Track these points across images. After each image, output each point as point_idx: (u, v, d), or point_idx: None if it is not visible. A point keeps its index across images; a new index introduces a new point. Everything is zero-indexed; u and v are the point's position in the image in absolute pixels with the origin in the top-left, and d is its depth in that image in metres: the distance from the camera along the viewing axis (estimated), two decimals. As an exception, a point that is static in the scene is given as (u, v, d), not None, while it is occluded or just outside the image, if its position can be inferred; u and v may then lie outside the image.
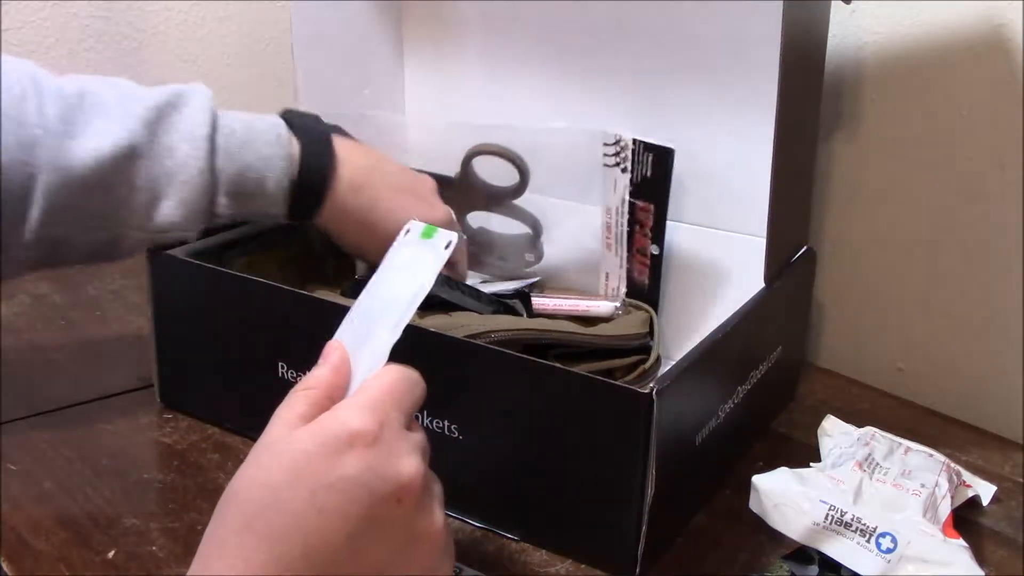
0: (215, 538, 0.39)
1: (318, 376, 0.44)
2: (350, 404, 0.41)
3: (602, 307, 0.69)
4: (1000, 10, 0.70)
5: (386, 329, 0.46)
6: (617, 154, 0.70)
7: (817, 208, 0.82)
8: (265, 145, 0.63)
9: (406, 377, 0.43)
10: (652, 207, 0.70)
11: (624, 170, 0.70)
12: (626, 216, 0.72)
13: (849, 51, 0.79)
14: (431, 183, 0.72)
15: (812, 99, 0.71)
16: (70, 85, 0.59)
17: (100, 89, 0.60)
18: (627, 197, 0.71)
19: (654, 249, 0.71)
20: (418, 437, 0.43)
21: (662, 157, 0.68)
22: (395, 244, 0.51)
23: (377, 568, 0.39)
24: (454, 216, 0.74)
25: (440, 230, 0.50)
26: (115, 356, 0.78)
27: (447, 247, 0.49)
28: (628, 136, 0.69)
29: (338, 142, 0.66)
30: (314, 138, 0.65)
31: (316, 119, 0.67)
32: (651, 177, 0.69)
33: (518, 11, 0.83)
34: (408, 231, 0.51)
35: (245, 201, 0.63)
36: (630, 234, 0.73)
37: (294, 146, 0.64)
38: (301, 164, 0.64)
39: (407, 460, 0.40)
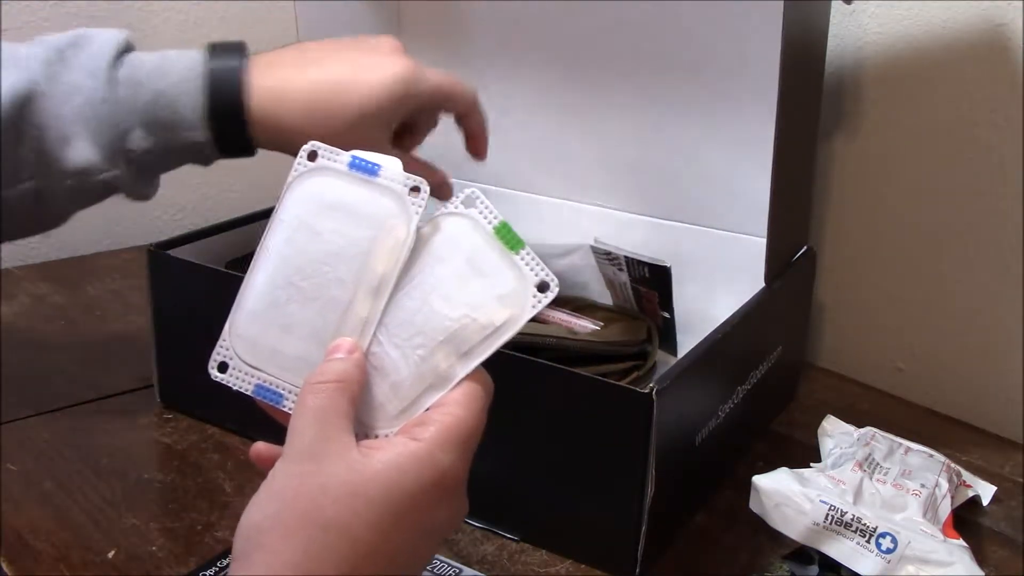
0: (286, 532, 0.37)
1: (347, 371, 0.41)
2: (449, 445, 0.39)
3: (587, 327, 0.69)
4: (1000, 10, 0.70)
5: (449, 352, 0.40)
6: (612, 261, 0.70)
7: (817, 208, 0.82)
8: (178, 71, 0.58)
9: (484, 407, 0.41)
10: (656, 294, 0.69)
11: (621, 270, 0.70)
12: (631, 298, 0.72)
13: (849, 51, 0.79)
14: (390, 39, 0.61)
15: (812, 99, 0.71)
16: None
17: (12, 45, 0.58)
18: (630, 287, 0.70)
19: (665, 315, 0.70)
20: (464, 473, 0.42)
21: (658, 272, 0.67)
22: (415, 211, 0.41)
23: (408, 551, 0.39)
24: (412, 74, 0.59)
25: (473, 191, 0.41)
26: (115, 356, 0.78)
27: (473, 204, 0.41)
28: (620, 253, 0.68)
29: (256, 55, 0.60)
30: (227, 52, 0.59)
31: (242, 44, 0.61)
32: (650, 278, 0.68)
33: (517, 11, 0.82)
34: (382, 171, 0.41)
35: (162, 131, 0.58)
36: (638, 301, 0.72)
37: (208, 67, 0.59)
38: (210, 78, 0.58)
39: (465, 495, 0.41)
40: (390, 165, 0.43)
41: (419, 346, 0.41)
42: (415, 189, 0.42)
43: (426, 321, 0.41)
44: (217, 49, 0.60)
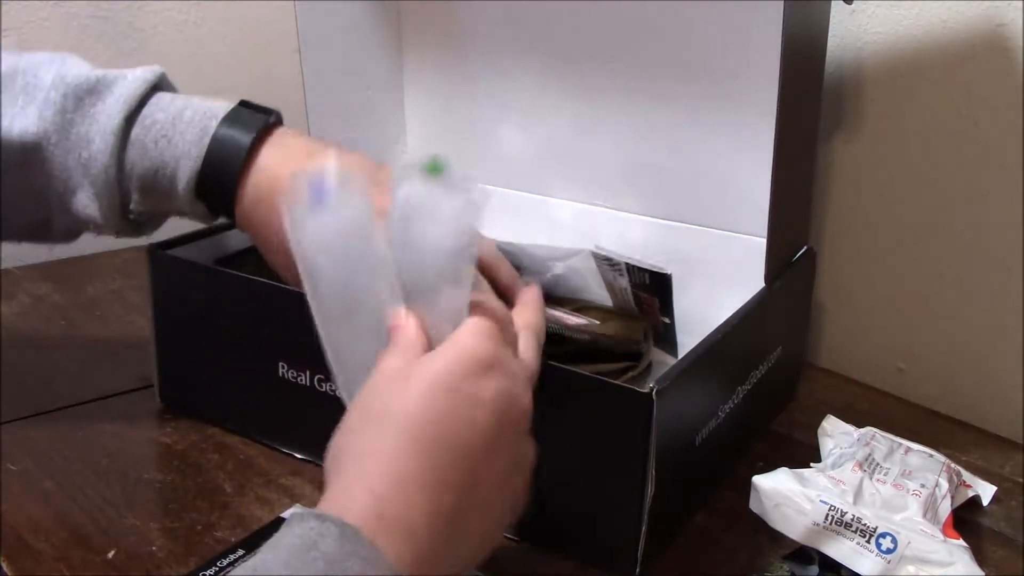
0: (363, 451, 0.40)
1: (405, 335, 0.45)
2: (467, 334, 0.43)
3: (583, 323, 0.69)
4: (1000, 10, 0.70)
5: (447, 283, 0.44)
6: (613, 267, 0.69)
7: (817, 208, 0.82)
8: (185, 140, 0.57)
9: (497, 315, 0.46)
10: (656, 300, 0.69)
11: (622, 275, 0.69)
12: (631, 302, 0.71)
13: (849, 51, 0.79)
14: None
15: (812, 99, 0.71)
16: (4, 64, 0.58)
17: (37, 70, 0.58)
18: (630, 292, 0.70)
19: (665, 320, 0.70)
20: (530, 366, 0.47)
21: (659, 279, 0.67)
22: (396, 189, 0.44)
23: (500, 481, 0.43)
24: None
25: (454, 171, 0.43)
26: (115, 356, 0.78)
27: (472, 194, 0.43)
28: (621, 260, 0.67)
29: (275, 136, 0.58)
30: (244, 123, 0.57)
31: (268, 112, 0.59)
32: (651, 284, 0.68)
33: (517, 12, 0.82)
34: (424, 169, 0.44)
35: (157, 201, 0.59)
36: (639, 305, 0.72)
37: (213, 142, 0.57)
38: (206, 160, 0.57)
39: (526, 389, 0.45)
40: (338, 178, 0.44)
41: (427, 290, 0.45)
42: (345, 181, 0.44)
43: (419, 275, 0.45)
44: (239, 115, 0.58)
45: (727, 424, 0.61)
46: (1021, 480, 0.67)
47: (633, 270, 0.67)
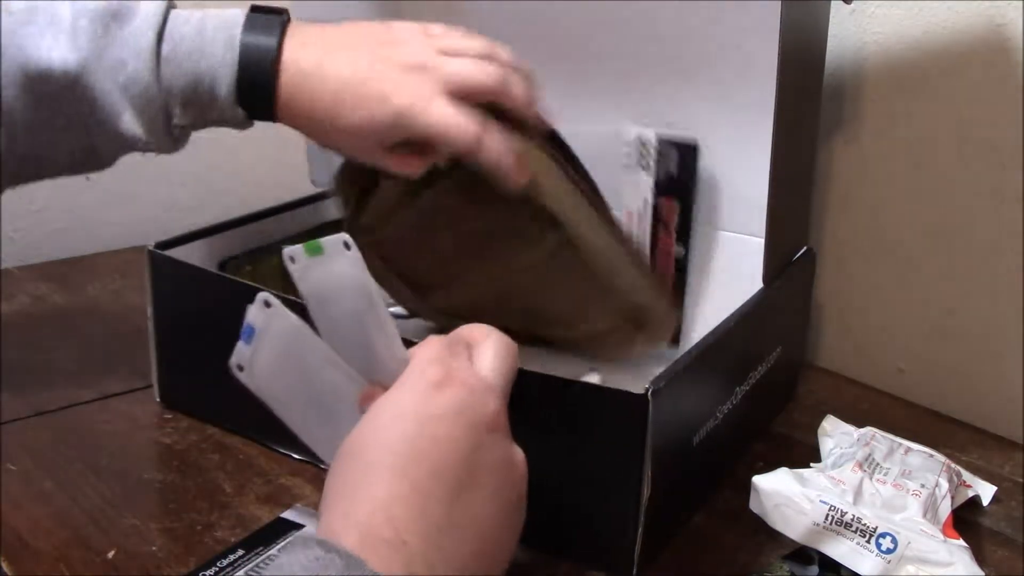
0: (346, 486, 0.42)
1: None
2: (415, 363, 0.46)
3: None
4: (1000, 10, 0.70)
5: (378, 333, 0.48)
6: (637, 154, 0.69)
7: (817, 208, 0.82)
8: (215, 52, 0.59)
9: (441, 341, 0.48)
10: (678, 205, 0.68)
11: (646, 168, 0.68)
12: (649, 219, 0.71)
13: (849, 51, 0.79)
14: (419, 43, 0.61)
15: (811, 99, 0.70)
16: (16, 4, 0.59)
17: (51, 6, 0.59)
18: (650, 198, 0.69)
19: (679, 250, 0.69)
20: (485, 375, 0.47)
21: (686, 153, 0.66)
22: (295, 279, 0.48)
23: (491, 491, 0.44)
24: (435, 55, 0.60)
25: (327, 240, 0.47)
26: (115, 356, 0.78)
27: (348, 247, 0.47)
28: (648, 133, 0.67)
29: (294, 27, 0.61)
30: (264, 27, 0.60)
31: (279, 12, 0.62)
32: (675, 174, 0.67)
33: (518, 11, 0.82)
34: (292, 259, 0.48)
35: (201, 111, 0.61)
36: (654, 235, 0.71)
37: (242, 46, 0.59)
38: (243, 61, 0.59)
39: (486, 394, 0.46)
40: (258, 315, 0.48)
41: (367, 350, 0.49)
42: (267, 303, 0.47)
43: (355, 339, 0.49)
44: (256, 20, 0.60)
45: (726, 425, 0.61)
46: (1021, 480, 0.67)
47: (660, 145, 0.66)
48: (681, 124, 0.76)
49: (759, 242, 0.64)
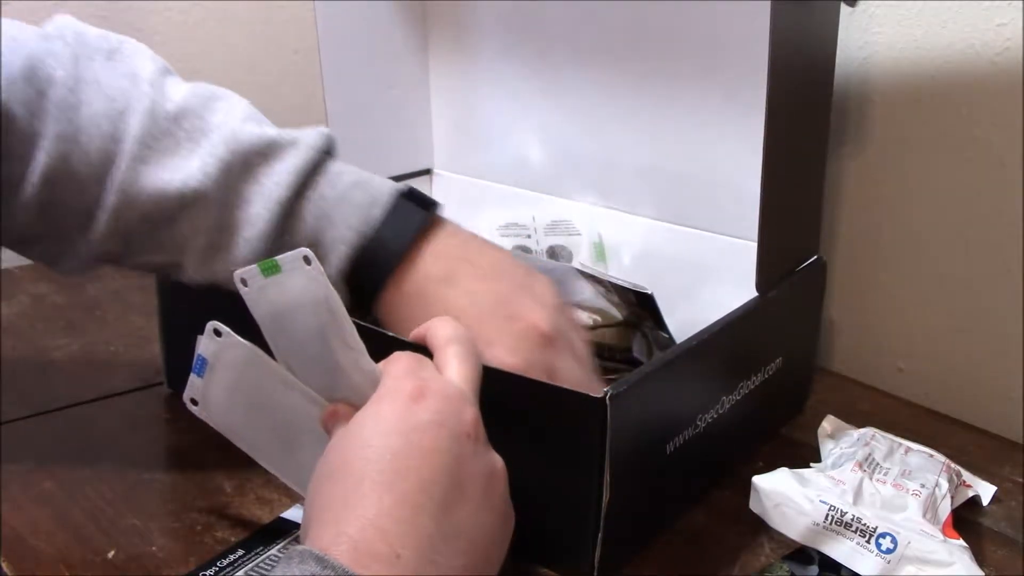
0: (334, 503, 0.41)
1: (337, 415, 0.47)
2: (388, 378, 0.46)
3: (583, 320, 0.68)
4: (1000, 10, 0.70)
5: (343, 348, 0.46)
6: (599, 282, 0.69)
7: (827, 216, 0.82)
8: (346, 227, 0.56)
9: (410, 355, 0.48)
10: (648, 316, 0.68)
11: (609, 291, 0.69)
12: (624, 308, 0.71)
13: (851, 52, 0.79)
14: (550, 284, 0.59)
15: (816, 103, 0.69)
16: (172, 103, 0.56)
17: (204, 112, 0.57)
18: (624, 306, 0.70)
19: (664, 335, 0.69)
20: (457, 383, 0.47)
21: (644, 299, 0.66)
22: (248, 303, 0.46)
23: (478, 501, 0.43)
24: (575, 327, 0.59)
25: (285, 257, 0.45)
26: (115, 356, 0.78)
27: (309, 262, 0.45)
28: (605, 278, 0.67)
29: (434, 234, 0.57)
30: (396, 223, 0.56)
31: (428, 205, 0.58)
32: (637, 303, 0.68)
33: (538, 11, 0.82)
34: (245, 282, 0.46)
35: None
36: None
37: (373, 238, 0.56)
38: (360, 254, 0.56)
39: (462, 401, 0.46)
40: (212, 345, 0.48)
41: (334, 367, 0.47)
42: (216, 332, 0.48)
43: (319, 358, 0.47)
44: (401, 208, 0.57)
45: (709, 434, 0.59)
46: (1021, 480, 0.67)
47: (619, 289, 0.67)
48: (688, 127, 0.76)
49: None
